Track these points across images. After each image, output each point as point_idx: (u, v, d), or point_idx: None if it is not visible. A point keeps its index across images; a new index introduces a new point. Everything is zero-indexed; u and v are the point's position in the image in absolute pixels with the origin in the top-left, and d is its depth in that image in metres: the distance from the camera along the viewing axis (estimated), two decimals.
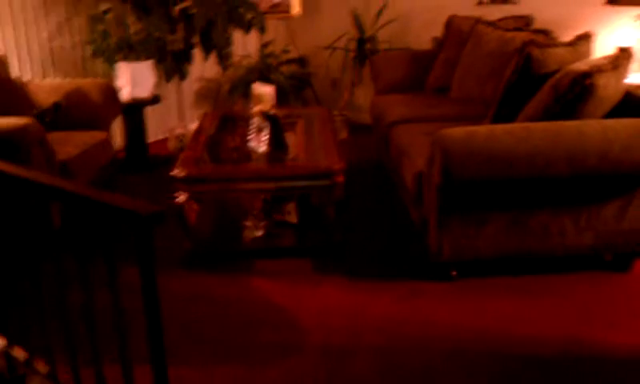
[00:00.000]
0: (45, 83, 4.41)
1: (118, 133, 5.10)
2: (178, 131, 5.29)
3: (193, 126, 4.91)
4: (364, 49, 5.55)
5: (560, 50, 3.12)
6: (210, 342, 2.65)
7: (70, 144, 3.70)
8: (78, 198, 1.65)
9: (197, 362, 2.51)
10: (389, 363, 2.46)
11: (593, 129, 2.74)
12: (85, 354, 1.92)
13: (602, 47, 4.45)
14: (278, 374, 2.42)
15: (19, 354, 2.15)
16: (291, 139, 3.70)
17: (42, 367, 2.09)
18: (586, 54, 3.23)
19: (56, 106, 4.04)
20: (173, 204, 3.19)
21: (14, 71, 4.41)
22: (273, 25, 5.95)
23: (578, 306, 2.82)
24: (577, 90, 2.77)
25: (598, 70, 2.77)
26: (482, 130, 2.81)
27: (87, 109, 4.14)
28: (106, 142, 4.12)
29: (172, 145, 5.29)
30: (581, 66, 2.84)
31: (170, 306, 2.87)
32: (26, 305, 2.07)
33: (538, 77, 3.03)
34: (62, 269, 1.88)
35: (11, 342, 2.14)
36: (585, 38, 3.27)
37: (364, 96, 5.89)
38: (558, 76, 2.87)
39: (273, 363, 2.49)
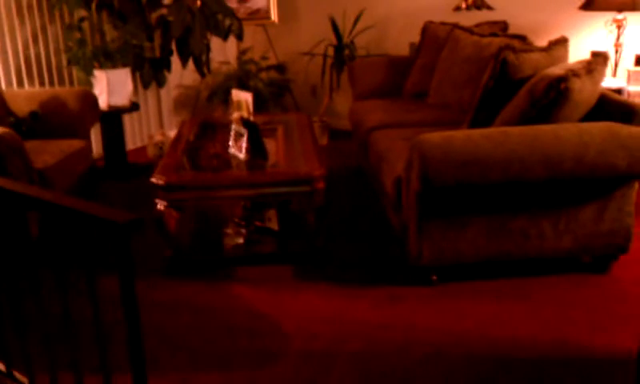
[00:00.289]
0: (21, 92, 4.37)
1: (96, 141, 5.07)
2: (157, 138, 5.17)
3: (172, 132, 4.85)
4: (342, 55, 5.57)
5: (536, 55, 3.15)
6: (190, 349, 2.64)
7: (47, 152, 3.67)
8: (55, 208, 1.64)
9: (177, 371, 2.50)
10: (369, 368, 2.47)
11: (569, 133, 2.78)
12: (64, 365, 1.90)
13: (577, 52, 4.51)
14: (259, 381, 2.41)
15: None
16: (271, 146, 3.70)
17: (21, 378, 2.07)
18: (562, 58, 3.27)
19: (33, 115, 4.01)
20: (153, 212, 3.17)
21: None
22: (251, 31, 5.97)
23: (557, 308, 2.85)
24: (552, 95, 2.80)
25: (573, 74, 2.80)
26: (460, 134, 2.83)
27: (65, 117, 4.12)
28: (85, 150, 4.09)
29: (151, 152, 5.20)
30: (556, 70, 2.87)
31: (150, 314, 2.86)
32: (3, 315, 2.04)
33: (514, 82, 3.06)
34: (39, 279, 1.86)
35: None
36: (560, 43, 3.31)
37: (343, 102, 5.91)
38: (533, 80, 2.91)
39: (254, 370, 2.49)
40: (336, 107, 6.06)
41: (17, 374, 2.09)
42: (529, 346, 2.57)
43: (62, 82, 5.12)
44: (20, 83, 4.79)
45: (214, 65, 5.87)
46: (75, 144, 3.97)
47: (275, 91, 5.86)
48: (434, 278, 3.08)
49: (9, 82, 4.70)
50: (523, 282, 3.07)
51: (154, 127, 5.97)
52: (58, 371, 1.95)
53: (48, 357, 1.91)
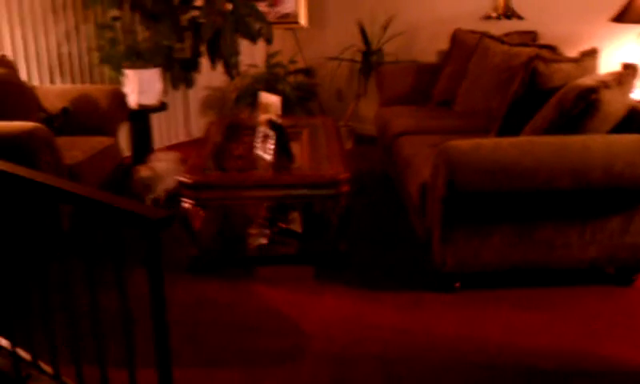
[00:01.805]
0: (53, 88, 4.44)
1: (124, 139, 5.13)
2: (143, 173, 4.10)
3: (159, 164, 4.20)
4: (370, 61, 5.58)
5: (566, 66, 3.14)
6: (213, 346, 2.67)
7: (77, 149, 3.73)
8: (90, 202, 1.67)
9: (199, 367, 2.53)
10: (389, 372, 2.47)
11: (597, 143, 2.76)
12: (89, 358, 1.93)
13: (607, 63, 4.48)
14: (278, 380, 2.43)
15: (24, 354, 2.16)
16: (297, 148, 3.72)
17: (46, 368, 2.11)
18: (592, 69, 3.25)
19: (64, 111, 4.07)
20: (178, 211, 3.21)
21: (22, 76, 4.44)
22: (280, 35, 6.00)
23: (580, 319, 2.83)
24: (582, 105, 2.79)
25: (603, 85, 2.79)
26: (487, 142, 2.83)
27: (95, 114, 4.18)
28: (114, 148, 4.15)
29: (136, 186, 4.11)
30: (586, 81, 2.86)
31: (174, 311, 2.89)
32: (31, 306, 2.08)
33: (544, 91, 3.05)
34: (68, 271, 1.90)
35: (16, 343, 2.15)
36: (590, 54, 3.30)
37: (369, 107, 5.92)
38: (563, 91, 2.90)
39: (274, 369, 2.50)
40: (362, 112, 6.07)
41: (42, 364, 2.13)
42: (550, 356, 2.56)
43: (92, 80, 5.19)
44: (52, 80, 4.87)
45: (242, 67, 5.90)
46: (105, 141, 4.03)
47: (302, 95, 5.89)
48: (457, 285, 3.08)
49: (41, 79, 4.78)
50: (546, 292, 3.06)
51: (181, 127, 6.03)
52: (83, 364, 1.98)
53: (73, 349, 1.94)
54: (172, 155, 4.34)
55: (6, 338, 2.23)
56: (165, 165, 4.19)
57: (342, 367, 2.50)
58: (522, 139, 2.87)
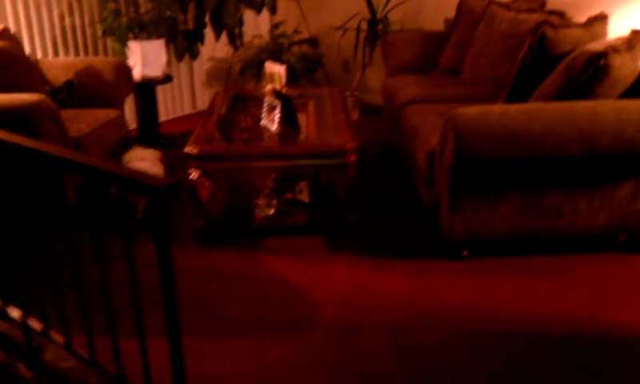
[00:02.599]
0: (57, 61, 4.42)
1: (129, 112, 5.11)
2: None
3: (138, 163, 3.82)
4: (376, 30, 5.53)
5: (574, 31, 3.10)
6: (222, 316, 2.68)
7: (82, 121, 3.72)
8: (97, 171, 1.67)
9: (209, 336, 2.54)
10: (400, 340, 2.47)
11: (607, 109, 2.73)
12: (100, 326, 1.94)
13: (617, 29, 4.41)
14: (289, 349, 2.43)
15: (35, 324, 2.18)
16: (303, 119, 3.71)
17: (58, 338, 2.12)
18: (601, 35, 3.21)
19: (68, 84, 4.06)
20: (184, 183, 3.21)
21: (26, 49, 4.43)
22: (284, 5, 5.95)
23: (590, 286, 2.82)
24: (591, 71, 2.76)
25: (612, 50, 2.75)
26: (496, 109, 2.81)
27: (99, 87, 4.16)
28: (119, 120, 4.13)
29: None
30: (595, 46, 2.82)
31: (183, 282, 2.90)
32: (42, 277, 2.09)
33: (552, 57, 3.02)
34: (76, 242, 1.90)
35: (27, 313, 2.17)
36: (599, 19, 3.25)
37: (375, 77, 5.88)
38: (572, 56, 2.86)
39: (285, 338, 2.51)
40: (368, 82, 6.03)
41: (53, 334, 2.14)
42: (560, 323, 2.56)
43: (96, 53, 5.17)
44: (56, 53, 4.84)
45: (246, 38, 5.87)
46: (110, 113, 4.01)
47: (307, 66, 5.84)
48: (465, 253, 3.07)
49: (45, 52, 4.76)
50: (556, 260, 3.05)
51: (187, 99, 6.00)
52: (95, 334, 1.99)
53: (84, 320, 1.94)
54: (152, 154, 4.01)
55: (18, 308, 2.24)
56: (144, 164, 3.85)
57: (353, 336, 2.51)
58: (531, 105, 2.85)
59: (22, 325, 2.16)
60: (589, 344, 2.42)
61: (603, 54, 2.73)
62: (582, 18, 3.43)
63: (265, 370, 2.32)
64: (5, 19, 4.43)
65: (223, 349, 2.46)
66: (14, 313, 2.28)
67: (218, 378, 2.28)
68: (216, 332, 2.57)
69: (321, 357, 2.38)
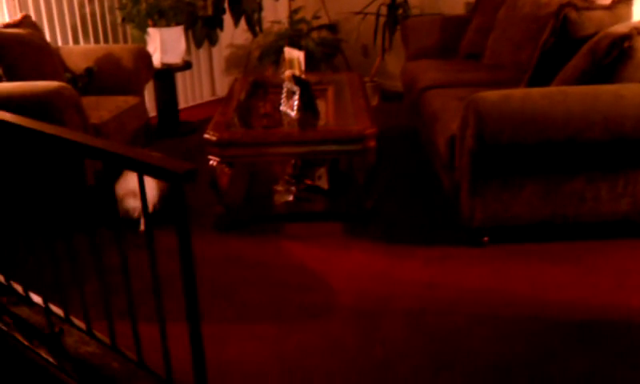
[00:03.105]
0: (77, 48, 4.45)
1: (149, 99, 5.13)
2: (121, 195, 3.31)
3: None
4: (395, 14, 5.48)
5: (598, 13, 3.05)
6: (241, 302, 2.68)
7: (102, 108, 3.74)
8: (117, 157, 1.67)
9: (228, 322, 2.55)
10: (418, 325, 2.46)
11: (631, 93, 2.69)
12: (121, 312, 1.95)
13: None
14: (308, 334, 2.44)
15: (56, 310, 2.20)
16: (322, 104, 3.69)
17: (79, 323, 2.14)
18: (626, 17, 3.15)
19: (89, 71, 4.08)
20: (203, 169, 3.21)
21: (46, 37, 4.45)
22: None
23: (610, 273, 2.79)
24: (615, 53, 2.71)
25: (637, 32, 2.70)
26: (517, 93, 2.77)
27: (119, 74, 4.18)
28: (139, 107, 4.15)
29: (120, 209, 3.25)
30: (620, 28, 2.77)
31: (203, 268, 2.90)
32: (63, 263, 2.10)
33: (576, 40, 2.97)
34: (97, 229, 1.91)
35: (49, 299, 2.19)
36: (624, 1, 3.19)
37: (395, 63, 5.84)
38: (595, 39, 2.81)
39: (304, 324, 2.51)
40: (388, 68, 5.99)
41: (74, 320, 2.16)
42: (580, 309, 2.53)
43: (116, 40, 5.19)
44: (76, 40, 4.86)
45: (265, 24, 5.86)
46: (130, 100, 4.03)
47: (326, 51, 5.82)
48: (486, 239, 3.05)
49: (65, 39, 4.78)
50: (577, 246, 3.01)
51: (206, 86, 6.01)
52: (115, 319, 2.00)
53: (105, 305, 1.96)
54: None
55: (39, 294, 2.26)
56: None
57: (371, 322, 2.50)
58: (553, 89, 2.80)
59: (44, 310, 2.18)
60: (608, 330, 2.39)
61: (628, 37, 2.68)
62: (606, 0, 3.37)
63: (284, 355, 2.32)
64: (26, 7, 4.45)
65: (242, 334, 2.46)
66: (36, 298, 2.31)
67: (237, 363, 2.29)
68: (235, 318, 2.58)
69: (339, 342, 2.38)
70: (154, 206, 3.29)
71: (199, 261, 2.93)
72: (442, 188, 3.46)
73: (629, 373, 2.17)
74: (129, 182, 3.26)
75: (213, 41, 5.45)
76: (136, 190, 3.20)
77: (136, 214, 3.26)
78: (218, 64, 6.03)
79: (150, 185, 3.26)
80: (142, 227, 3.24)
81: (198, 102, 5.96)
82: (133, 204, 3.25)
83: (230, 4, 5.19)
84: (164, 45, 4.81)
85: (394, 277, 2.83)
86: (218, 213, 3.36)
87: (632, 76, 2.76)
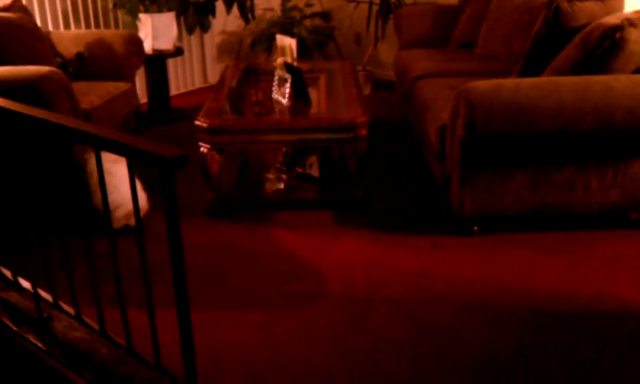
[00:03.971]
0: (67, 33, 4.41)
1: (140, 85, 5.10)
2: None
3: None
4: (389, 3, 5.46)
5: (590, 4, 3.05)
6: (231, 289, 2.69)
7: (93, 94, 3.72)
8: (107, 142, 1.66)
9: (217, 309, 2.55)
10: (408, 314, 2.47)
11: (622, 84, 2.69)
12: (109, 300, 1.95)
13: (633, 3, 4.34)
14: (297, 321, 2.44)
15: (45, 295, 2.19)
16: (314, 92, 3.68)
17: (67, 309, 2.13)
18: (617, 8, 3.15)
19: (79, 56, 4.05)
20: (194, 156, 3.20)
21: (37, 21, 4.41)
22: None
23: (601, 263, 2.80)
24: (606, 44, 2.71)
25: (629, 23, 2.71)
26: (508, 83, 2.77)
27: (110, 59, 4.15)
28: (130, 93, 4.13)
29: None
30: (611, 19, 2.77)
31: (193, 255, 2.90)
32: (51, 248, 2.10)
33: (567, 31, 2.97)
34: (87, 215, 1.90)
35: (37, 285, 2.18)
36: None
37: (388, 52, 5.83)
38: (587, 29, 2.82)
39: (294, 311, 2.52)
40: (380, 57, 5.98)
41: (63, 305, 2.16)
42: (570, 299, 2.54)
43: (107, 25, 5.15)
44: (67, 25, 4.83)
45: (258, 11, 5.83)
46: (121, 86, 4.01)
47: (319, 39, 5.80)
48: (476, 228, 3.06)
49: (56, 24, 4.74)
50: (567, 236, 3.03)
51: (198, 73, 5.98)
52: (104, 305, 2.00)
53: (93, 291, 1.95)
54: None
55: (28, 279, 2.26)
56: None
57: (360, 309, 2.51)
58: (544, 80, 2.81)
59: (33, 295, 2.17)
60: (598, 321, 2.41)
61: (619, 28, 2.69)
62: None
63: (273, 341, 2.33)
64: None
65: (232, 321, 2.47)
66: (25, 283, 2.30)
67: (226, 349, 2.29)
68: (225, 304, 2.58)
69: (328, 330, 2.39)
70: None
71: (189, 247, 2.94)
72: (432, 177, 3.46)
73: (617, 363, 2.18)
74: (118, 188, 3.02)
75: (205, 27, 5.42)
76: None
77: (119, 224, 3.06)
78: (210, 51, 6.00)
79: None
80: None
81: (190, 88, 5.93)
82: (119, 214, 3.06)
83: None
84: (155, 31, 4.78)
85: (384, 265, 2.84)
86: (208, 199, 3.36)
87: (623, 67, 2.77)
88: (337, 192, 3.52)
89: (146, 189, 3.22)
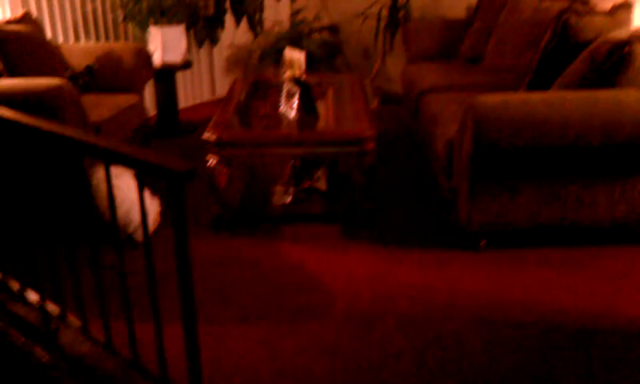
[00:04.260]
0: (77, 46, 4.45)
1: (149, 98, 5.13)
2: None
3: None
4: (397, 17, 5.48)
5: (598, 19, 3.05)
6: (237, 303, 2.68)
7: (102, 106, 3.74)
8: (117, 155, 1.67)
9: (224, 323, 2.54)
10: (414, 329, 2.46)
11: (630, 99, 2.69)
12: (115, 313, 1.95)
13: None
14: (303, 336, 2.43)
15: (52, 308, 2.20)
16: (322, 106, 3.69)
17: (74, 321, 2.14)
18: (626, 22, 3.16)
19: (89, 69, 4.08)
20: (202, 170, 3.21)
21: (47, 34, 4.45)
22: None
23: (607, 279, 2.79)
24: (615, 59, 2.71)
25: (637, 38, 2.70)
26: (516, 97, 2.77)
27: (120, 72, 4.18)
28: (139, 105, 4.15)
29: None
30: (620, 34, 2.77)
31: (200, 268, 2.90)
32: (59, 260, 2.10)
33: (576, 45, 2.97)
34: (94, 228, 1.91)
35: (45, 297, 2.18)
36: (624, 7, 3.20)
37: (395, 66, 5.83)
38: (595, 44, 2.81)
39: (300, 325, 2.51)
40: (388, 71, 5.99)
41: (71, 318, 2.16)
42: (575, 316, 2.53)
43: (117, 38, 5.19)
44: (77, 38, 4.86)
45: (267, 25, 5.86)
46: (130, 99, 4.03)
47: (327, 53, 5.82)
48: (483, 243, 3.05)
49: (66, 37, 4.78)
50: (574, 252, 3.01)
51: (206, 86, 6.01)
52: (111, 319, 2.00)
53: (100, 304, 1.96)
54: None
55: (36, 292, 2.26)
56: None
57: (366, 324, 2.50)
58: (552, 94, 2.81)
59: (40, 308, 2.18)
60: (605, 337, 2.39)
61: (627, 42, 2.69)
62: (606, 6, 3.37)
63: (279, 356, 2.32)
64: (27, 4, 4.45)
65: (239, 335, 2.46)
66: (32, 296, 2.31)
67: (233, 364, 2.29)
68: (231, 318, 2.58)
69: (334, 344, 2.38)
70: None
71: (196, 260, 2.93)
72: (440, 191, 3.46)
73: (626, 380, 2.16)
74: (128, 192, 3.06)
75: (214, 40, 5.46)
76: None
77: (130, 229, 3.10)
78: (219, 64, 6.03)
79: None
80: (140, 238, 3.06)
81: (198, 101, 5.96)
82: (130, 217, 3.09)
83: (231, 4, 5.19)
84: (165, 44, 4.81)
85: (391, 279, 2.83)
86: (215, 213, 3.36)
87: (632, 81, 2.76)
88: (344, 205, 3.52)
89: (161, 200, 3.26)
